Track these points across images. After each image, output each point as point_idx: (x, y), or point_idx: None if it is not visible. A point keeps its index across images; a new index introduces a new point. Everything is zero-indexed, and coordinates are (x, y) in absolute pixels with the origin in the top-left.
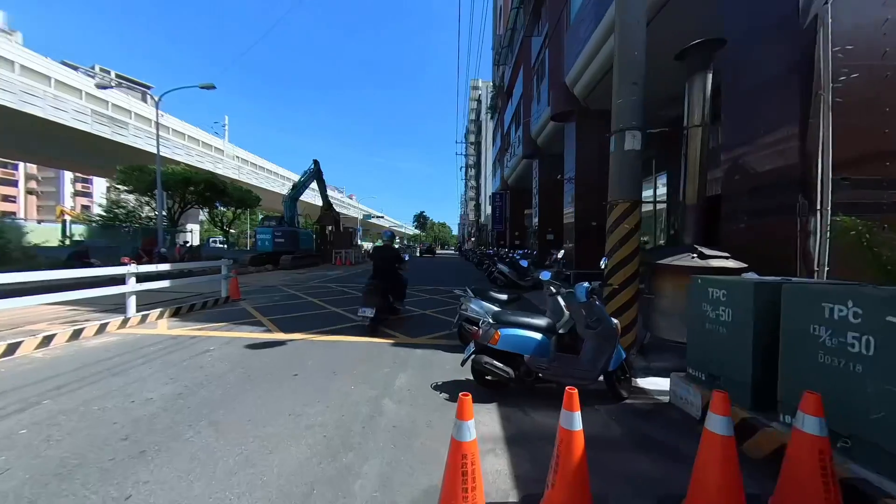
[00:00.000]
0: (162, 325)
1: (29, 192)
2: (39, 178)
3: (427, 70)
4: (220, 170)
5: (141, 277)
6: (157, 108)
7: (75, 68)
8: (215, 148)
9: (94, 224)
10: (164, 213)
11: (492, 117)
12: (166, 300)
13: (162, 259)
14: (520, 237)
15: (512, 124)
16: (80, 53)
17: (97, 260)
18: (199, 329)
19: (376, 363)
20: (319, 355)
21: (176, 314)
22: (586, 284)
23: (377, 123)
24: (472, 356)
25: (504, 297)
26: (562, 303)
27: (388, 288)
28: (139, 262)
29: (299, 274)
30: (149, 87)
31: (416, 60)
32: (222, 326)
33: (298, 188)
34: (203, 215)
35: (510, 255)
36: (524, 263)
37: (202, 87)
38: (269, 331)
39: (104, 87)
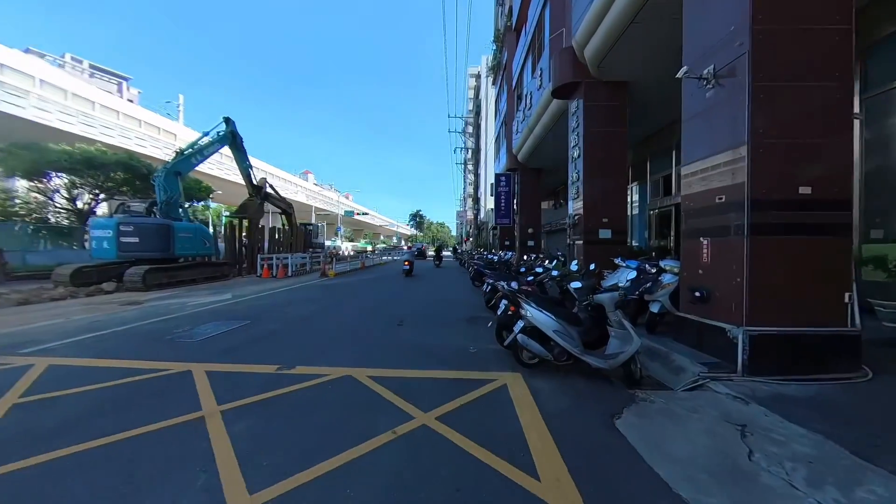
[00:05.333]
0: None
1: None
2: None
3: (427, 68)
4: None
5: None
6: None
7: (41, 56)
8: (164, 131)
9: None
10: None
11: (493, 82)
12: None
13: None
14: (534, 235)
15: (527, 62)
16: (51, 43)
17: None
18: None
19: None
20: None
21: None
22: None
23: (375, 122)
24: None
25: None
26: None
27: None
28: None
29: (128, 306)
30: (126, 79)
31: (416, 58)
32: None
33: (188, 157)
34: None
35: (543, 271)
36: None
37: None
38: None
39: None
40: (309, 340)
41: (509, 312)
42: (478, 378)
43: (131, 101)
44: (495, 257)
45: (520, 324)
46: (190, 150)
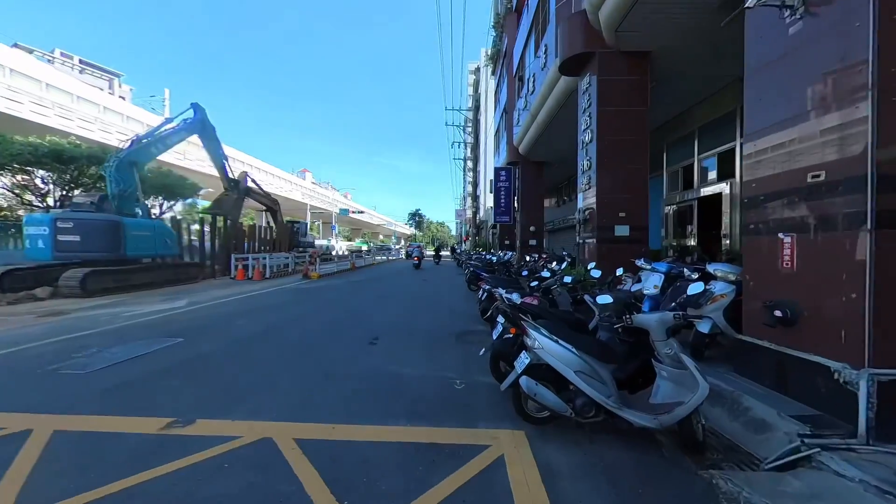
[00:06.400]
0: None
1: None
2: None
3: (426, 67)
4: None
5: None
6: None
7: (30, 52)
8: (148, 126)
9: None
10: None
11: (493, 72)
12: None
13: None
14: (536, 234)
15: (529, 42)
16: (43, 39)
17: None
18: None
19: None
20: None
21: None
22: None
23: (374, 121)
24: None
25: None
26: None
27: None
28: None
29: (47, 318)
30: (118, 75)
31: (415, 57)
32: None
33: (147, 146)
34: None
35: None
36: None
37: None
38: None
39: None
40: (244, 370)
41: (508, 335)
42: (462, 443)
43: (123, 97)
44: (494, 258)
45: (524, 358)
46: (149, 137)
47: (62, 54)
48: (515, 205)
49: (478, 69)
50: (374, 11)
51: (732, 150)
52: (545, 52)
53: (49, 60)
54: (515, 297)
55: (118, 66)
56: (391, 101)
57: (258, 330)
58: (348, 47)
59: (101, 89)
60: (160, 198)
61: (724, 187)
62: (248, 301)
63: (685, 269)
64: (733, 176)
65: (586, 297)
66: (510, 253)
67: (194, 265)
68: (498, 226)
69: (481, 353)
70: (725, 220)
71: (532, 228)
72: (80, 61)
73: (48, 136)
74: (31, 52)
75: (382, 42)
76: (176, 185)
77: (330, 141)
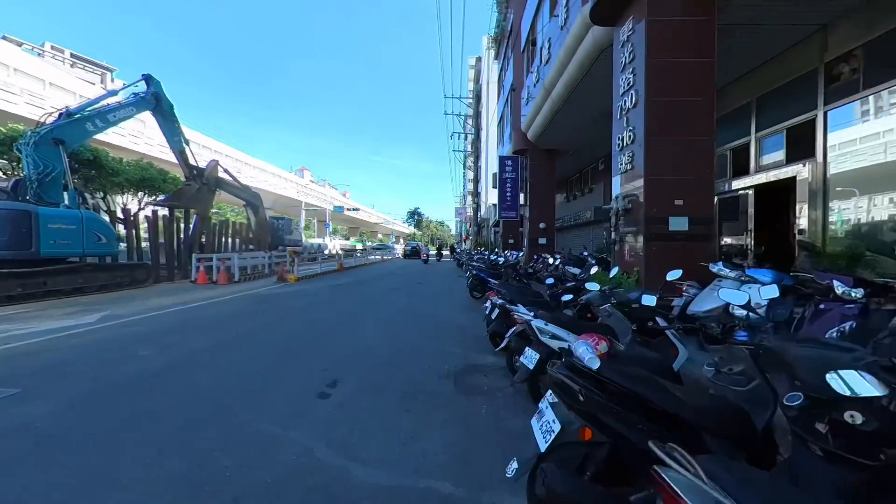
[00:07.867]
0: None
1: None
2: None
3: (426, 66)
4: (140, 146)
5: None
6: None
7: (19, 45)
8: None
9: None
10: None
11: (496, 56)
12: None
13: None
14: (547, 232)
15: (542, 5)
16: (31, 31)
17: None
18: None
19: None
20: None
21: None
22: None
23: (374, 121)
24: None
25: None
26: None
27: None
28: None
29: None
30: (110, 69)
31: (415, 57)
32: None
33: (81, 121)
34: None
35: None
36: None
37: None
38: None
39: None
40: (40, 473)
41: (566, 440)
42: None
43: (115, 91)
44: (500, 258)
45: None
46: (82, 111)
47: (53, 48)
48: (522, 199)
49: (478, 59)
50: (373, 7)
51: (811, 122)
52: (566, 7)
53: (39, 54)
54: (584, 352)
55: (112, 61)
56: (390, 101)
57: (155, 368)
58: (347, 45)
59: (93, 83)
60: (139, 193)
61: (800, 170)
62: (184, 315)
63: (835, 282)
64: (813, 155)
65: (669, 334)
66: (517, 253)
67: (140, 266)
68: (501, 223)
69: (510, 473)
70: (803, 211)
71: (542, 225)
72: (72, 55)
73: (9, 124)
74: (20, 44)
75: (382, 39)
76: (156, 180)
77: (328, 140)
